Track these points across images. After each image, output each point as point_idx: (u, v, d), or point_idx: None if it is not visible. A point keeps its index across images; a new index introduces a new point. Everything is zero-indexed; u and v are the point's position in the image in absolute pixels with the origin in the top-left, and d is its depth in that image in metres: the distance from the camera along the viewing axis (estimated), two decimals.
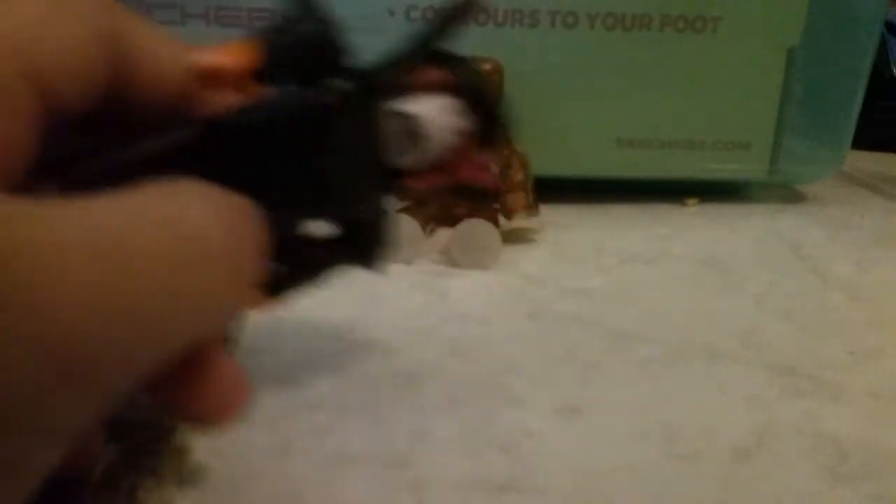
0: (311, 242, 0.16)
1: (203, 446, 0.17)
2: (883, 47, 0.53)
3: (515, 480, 0.17)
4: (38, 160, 0.13)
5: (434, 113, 0.17)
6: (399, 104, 0.16)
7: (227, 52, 0.16)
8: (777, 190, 0.41)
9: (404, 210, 0.30)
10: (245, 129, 0.15)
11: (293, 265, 0.16)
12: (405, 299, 0.26)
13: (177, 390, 0.13)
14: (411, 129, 0.16)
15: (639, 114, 0.35)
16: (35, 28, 0.12)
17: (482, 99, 0.17)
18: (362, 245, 0.17)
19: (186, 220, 0.12)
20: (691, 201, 0.39)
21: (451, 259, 0.29)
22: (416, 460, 0.17)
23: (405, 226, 0.29)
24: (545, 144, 0.34)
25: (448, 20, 0.17)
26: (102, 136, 0.15)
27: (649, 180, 0.38)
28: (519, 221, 0.31)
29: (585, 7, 0.33)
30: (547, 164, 0.33)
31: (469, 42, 0.32)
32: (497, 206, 0.31)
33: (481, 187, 0.18)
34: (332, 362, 0.22)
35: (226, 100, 0.15)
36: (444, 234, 0.31)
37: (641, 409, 0.20)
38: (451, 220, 0.30)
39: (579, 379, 0.21)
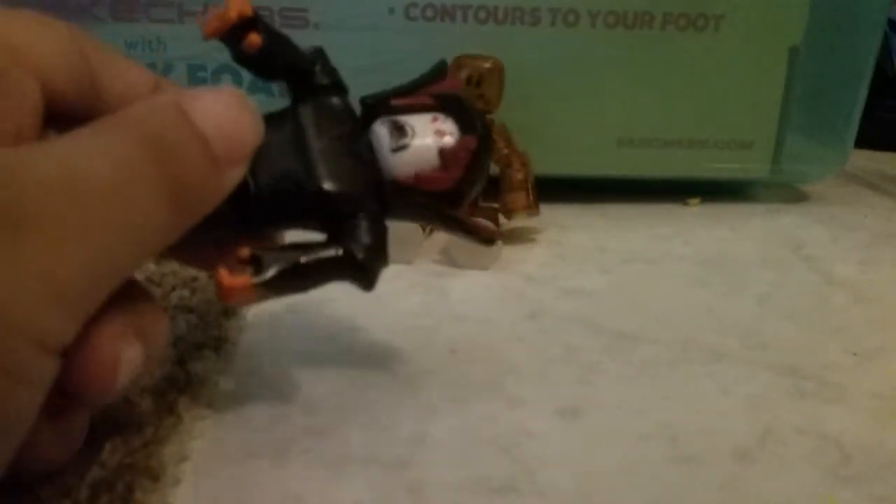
0: (306, 249, 0.16)
1: (202, 447, 0.17)
2: (885, 46, 0.53)
3: (515, 482, 0.17)
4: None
5: (420, 121, 0.18)
6: (390, 118, 0.18)
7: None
8: (779, 189, 0.41)
9: None
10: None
11: (287, 266, 0.16)
12: (405, 299, 0.26)
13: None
14: (397, 128, 0.17)
15: (640, 113, 0.35)
16: (24, 35, 0.15)
17: (466, 112, 0.18)
18: (358, 260, 0.17)
19: (104, 154, 0.13)
20: (693, 201, 0.38)
21: (451, 259, 0.29)
22: (416, 461, 0.17)
23: (405, 226, 0.28)
24: (546, 144, 0.34)
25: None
26: None
27: (651, 180, 0.37)
28: (519, 221, 0.31)
29: (586, 5, 0.33)
30: (547, 163, 0.33)
31: (470, 40, 0.32)
32: (496, 205, 0.31)
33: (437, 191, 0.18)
34: (332, 363, 0.21)
35: None
36: (444, 234, 0.31)
37: (642, 410, 0.20)
38: None
39: (580, 379, 0.21)
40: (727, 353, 0.23)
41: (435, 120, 0.18)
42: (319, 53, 0.18)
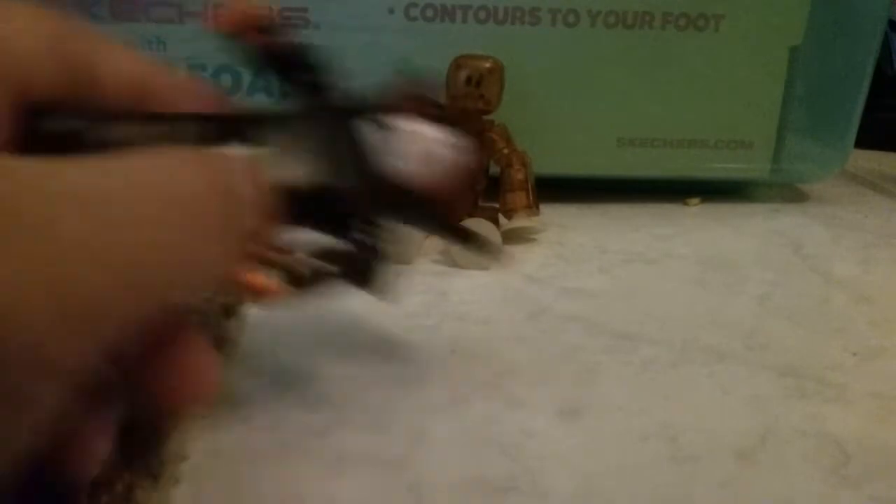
0: (324, 253, 0.17)
1: (203, 447, 0.17)
2: (886, 46, 0.53)
3: (515, 482, 0.17)
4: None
5: (414, 127, 0.18)
6: (386, 120, 0.18)
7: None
8: (779, 189, 0.41)
9: None
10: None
11: (310, 269, 0.17)
12: (405, 299, 0.26)
13: (150, 368, 0.14)
14: (391, 130, 0.18)
15: (640, 113, 0.35)
16: None
17: (455, 123, 0.19)
18: (364, 263, 0.17)
19: (170, 180, 0.13)
20: (693, 201, 0.38)
21: (451, 259, 0.29)
22: (416, 461, 0.17)
23: (405, 226, 0.28)
24: (546, 144, 0.34)
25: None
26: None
27: (651, 180, 0.37)
28: (519, 221, 0.31)
29: (586, 5, 0.33)
30: (548, 163, 0.33)
31: (470, 40, 0.32)
32: (496, 205, 0.31)
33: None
34: (332, 362, 0.21)
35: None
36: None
37: (643, 411, 0.20)
38: None
39: (580, 380, 0.21)
40: (727, 353, 0.23)
41: (428, 126, 0.18)
42: (319, 51, 0.18)
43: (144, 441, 0.17)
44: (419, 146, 0.18)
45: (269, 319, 0.24)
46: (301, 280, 0.17)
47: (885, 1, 0.36)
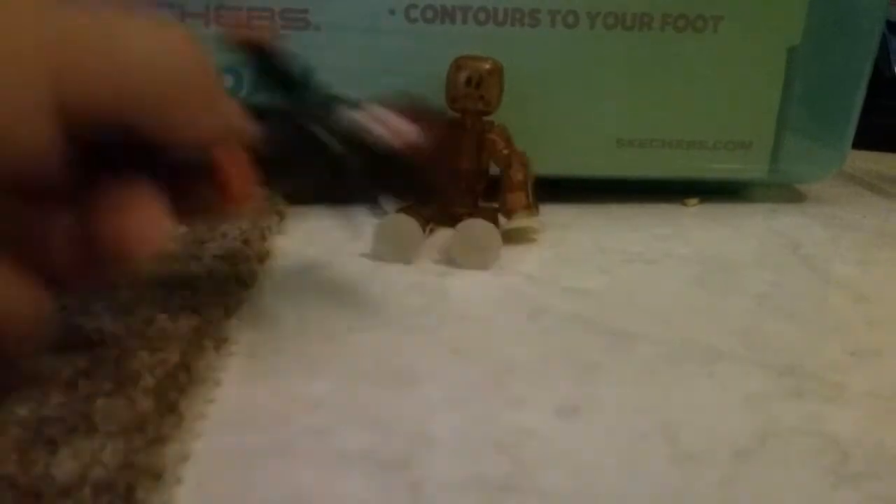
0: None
1: (203, 447, 0.17)
2: (884, 47, 0.53)
3: (515, 481, 0.17)
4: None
5: (384, 112, 0.22)
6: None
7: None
8: (777, 189, 0.41)
9: (404, 210, 0.30)
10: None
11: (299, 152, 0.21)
12: (405, 299, 0.26)
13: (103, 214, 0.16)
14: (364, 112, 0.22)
15: (639, 113, 0.35)
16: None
17: (423, 108, 0.23)
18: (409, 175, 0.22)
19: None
20: (691, 201, 0.39)
21: (451, 259, 0.29)
22: (416, 460, 0.17)
23: (405, 226, 0.29)
24: (545, 144, 0.34)
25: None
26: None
27: (649, 180, 0.38)
28: (519, 221, 0.31)
29: (585, 6, 0.33)
30: (547, 163, 0.33)
31: (469, 41, 0.32)
32: (496, 205, 0.31)
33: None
34: (332, 362, 0.21)
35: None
36: (444, 234, 0.31)
37: (642, 410, 0.20)
38: (451, 220, 0.30)
39: (579, 379, 0.21)
40: (727, 353, 0.23)
41: (392, 113, 0.22)
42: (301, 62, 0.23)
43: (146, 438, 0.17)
44: (387, 121, 0.22)
45: (270, 319, 0.24)
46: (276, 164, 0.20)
47: (883, 1, 0.36)
